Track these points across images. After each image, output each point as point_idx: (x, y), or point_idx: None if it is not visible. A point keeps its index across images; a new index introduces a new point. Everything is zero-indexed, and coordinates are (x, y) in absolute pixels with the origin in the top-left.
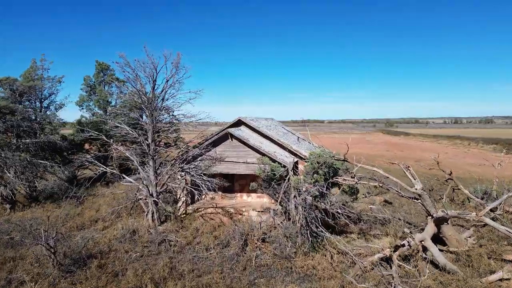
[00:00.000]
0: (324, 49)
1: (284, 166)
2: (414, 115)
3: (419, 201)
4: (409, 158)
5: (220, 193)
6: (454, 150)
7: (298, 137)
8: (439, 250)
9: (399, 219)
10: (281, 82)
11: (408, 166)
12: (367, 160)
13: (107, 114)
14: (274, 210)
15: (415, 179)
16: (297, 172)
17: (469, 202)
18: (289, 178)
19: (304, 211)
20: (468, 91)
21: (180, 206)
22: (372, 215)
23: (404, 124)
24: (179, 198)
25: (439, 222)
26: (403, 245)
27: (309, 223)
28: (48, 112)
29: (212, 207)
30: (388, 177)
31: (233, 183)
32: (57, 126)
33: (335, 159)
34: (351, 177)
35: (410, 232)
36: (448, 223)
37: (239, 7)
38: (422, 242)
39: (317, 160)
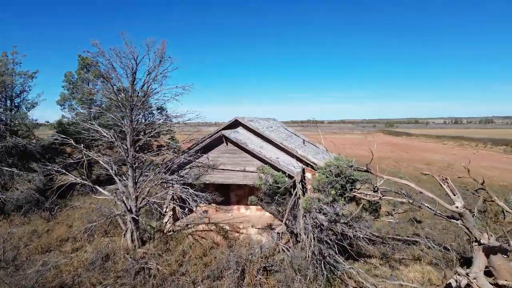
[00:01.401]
0: (324, 49)
1: (290, 176)
2: (414, 115)
3: (459, 221)
4: (416, 160)
5: (214, 205)
6: (461, 151)
7: (304, 140)
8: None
9: (430, 240)
10: (281, 82)
11: (446, 178)
12: (373, 162)
13: (90, 113)
14: (278, 233)
15: (455, 195)
16: (304, 182)
17: (504, 216)
18: (296, 192)
19: (318, 241)
20: (468, 91)
21: (166, 222)
22: (400, 238)
23: (404, 124)
24: (165, 212)
25: (490, 251)
26: (450, 286)
27: (323, 251)
28: (20, 112)
29: (204, 224)
30: (421, 192)
31: (229, 194)
32: (30, 128)
33: (356, 170)
34: (374, 191)
35: (467, 274)
36: (507, 256)
37: (239, 7)
38: (475, 281)
39: (334, 171)
